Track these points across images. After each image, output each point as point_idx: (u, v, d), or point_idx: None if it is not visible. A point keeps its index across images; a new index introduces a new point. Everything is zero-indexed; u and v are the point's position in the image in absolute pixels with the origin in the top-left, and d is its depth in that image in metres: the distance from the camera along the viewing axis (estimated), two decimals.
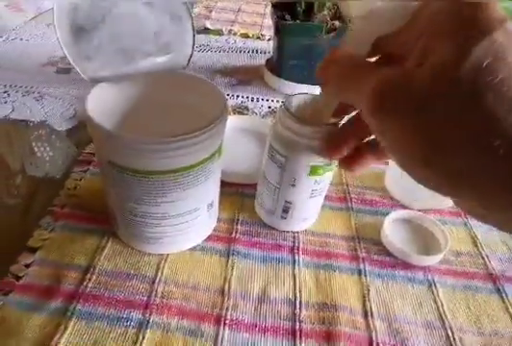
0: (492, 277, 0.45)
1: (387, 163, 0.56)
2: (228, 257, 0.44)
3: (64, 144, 0.59)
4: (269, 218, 0.48)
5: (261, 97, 0.75)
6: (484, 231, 0.50)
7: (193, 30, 0.41)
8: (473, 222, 0.51)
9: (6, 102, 0.66)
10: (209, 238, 0.46)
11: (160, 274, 0.42)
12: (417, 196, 0.52)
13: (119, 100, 0.41)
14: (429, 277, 0.44)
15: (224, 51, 0.91)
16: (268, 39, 0.97)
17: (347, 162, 0.32)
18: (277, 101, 0.74)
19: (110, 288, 0.40)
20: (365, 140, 0.31)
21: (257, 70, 0.83)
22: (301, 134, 0.38)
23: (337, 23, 0.68)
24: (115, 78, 0.39)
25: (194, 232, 0.44)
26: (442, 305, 0.42)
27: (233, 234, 0.47)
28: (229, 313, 0.39)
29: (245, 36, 0.99)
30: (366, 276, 0.44)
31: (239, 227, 0.48)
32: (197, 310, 0.39)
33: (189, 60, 0.42)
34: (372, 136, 0.31)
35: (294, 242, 0.47)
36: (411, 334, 0.39)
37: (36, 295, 0.39)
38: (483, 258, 0.47)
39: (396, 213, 0.50)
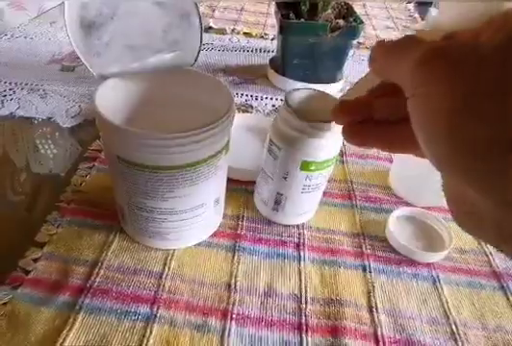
0: (496, 274, 0.45)
1: (391, 161, 0.57)
2: (234, 252, 0.45)
3: (67, 142, 0.59)
4: (264, 209, 0.49)
5: (265, 96, 0.75)
6: None
7: (201, 27, 0.41)
8: None
9: (12, 99, 0.66)
10: (215, 234, 0.46)
11: (167, 269, 0.42)
12: (421, 194, 0.52)
13: (128, 96, 0.41)
14: (434, 273, 0.45)
15: (228, 50, 0.91)
16: (272, 39, 0.97)
17: (351, 131, 0.29)
18: (281, 100, 0.74)
19: (117, 283, 0.40)
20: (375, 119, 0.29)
21: (261, 69, 0.83)
22: (297, 128, 0.39)
23: (341, 22, 0.69)
24: (123, 74, 0.40)
25: (201, 227, 0.44)
26: (446, 301, 0.42)
27: (238, 231, 0.47)
28: (235, 308, 0.39)
29: (249, 35, 0.99)
30: (371, 272, 0.44)
31: (244, 223, 0.48)
32: (204, 305, 0.39)
33: (196, 57, 0.42)
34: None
35: (299, 239, 0.47)
36: (416, 330, 0.39)
37: (44, 289, 0.39)
38: (487, 255, 0.47)
39: (401, 211, 0.50)
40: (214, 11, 1.10)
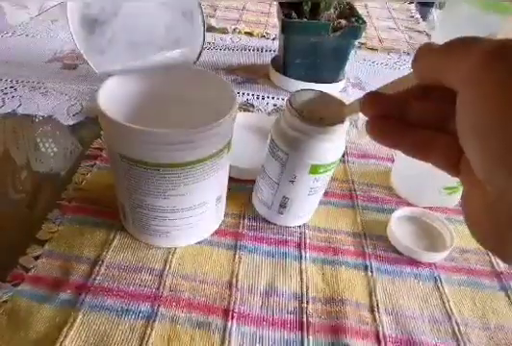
0: (497, 274, 0.45)
1: (393, 160, 0.57)
2: (235, 251, 0.45)
3: (68, 140, 0.59)
4: (266, 212, 0.48)
5: (266, 95, 0.75)
6: None
7: (204, 25, 0.41)
8: None
9: (13, 97, 0.66)
10: (216, 233, 0.46)
11: (168, 267, 0.42)
12: (422, 194, 0.52)
13: (130, 94, 0.41)
14: (435, 273, 0.45)
15: (229, 49, 0.91)
16: (273, 38, 0.97)
17: (377, 126, 0.27)
18: (282, 99, 0.74)
19: (118, 281, 0.40)
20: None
21: (262, 68, 0.83)
22: (305, 131, 0.38)
23: (343, 22, 0.68)
24: (126, 72, 0.39)
25: (202, 226, 0.44)
26: (448, 300, 0.42)
27: (240, 229, 0.47)
28: (237, 307, 0.39)
29: (250, 34, 0.99)
30: (372, 272, 0.44)
31: (245, 222, 0.48)
32: (205, 303, 0.39)
33: (199, 55, 0.42)
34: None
35: (300, 238, 0.47)
36: (417, 329, 0.39)
37: (45, 287, 0.39)
38: (489, 255, 0.47)
39: (402, 211, 0.50)
40: (215, 10, 1.10)
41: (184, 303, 0.39)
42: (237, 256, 0.44)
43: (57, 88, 0.69)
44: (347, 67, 0.77)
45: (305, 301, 0.41)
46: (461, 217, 0.51)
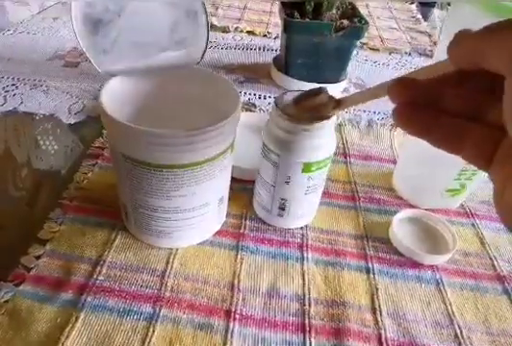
0: (500, 278, 0.45)
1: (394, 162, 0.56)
2: (237, 252, 0.44)
3: (69, 138, 0.59)
4: (267, 216, 0.48)
5: (268, 95, 0.75)
6: (492, 232, 0.50)
7: (208, 25, 0.41)
8: (481, 223, 0.52)
9: (15, 94, 0.66)
10: (218, 233, 0.46)
11: (169, 268, 0.42)
12: (425, 195, 0.52)
13: (133, 94, 0.41)
14: (437, 276, 0.45)
15: (231, 48, 0.91)
16: (275, 37, 0.97)
17: (405, 114, 0.25)
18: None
19: (120, 281, 0.40)
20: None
21: (264, 68, 0.83)
22: (292, 131, 0.39)
23: (345, 22, 0.68)
24: (129, 72, 0.39)
25: (204, 226, 0.44)
26: (450, 304, 0.42)
27: (241, 230, 0.47)
28: (239, 308, 0.39)
29: (252, 33, 0.98)
30: (374, 274, 0.44)
31: (247, 222, 0.48)
32: (207, 304, 0.39)
33: (202, 55, 0.42)
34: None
35: (302, 239, 0.47)
36: (419, 333, 0.39)
37: (46, 287, 0.39)
38: (491, 258, 0.47)
39: (405, 212, 0.50)
40: (217, 9, 1.09)
41: (186, 304, 0.39)
42: (239, 257, 0.44)
43: (58, 86, 0.69)
44: (349, 67, 0.77)
45: (307, 303, 0.40)
46: (463, 220, 0.52)
